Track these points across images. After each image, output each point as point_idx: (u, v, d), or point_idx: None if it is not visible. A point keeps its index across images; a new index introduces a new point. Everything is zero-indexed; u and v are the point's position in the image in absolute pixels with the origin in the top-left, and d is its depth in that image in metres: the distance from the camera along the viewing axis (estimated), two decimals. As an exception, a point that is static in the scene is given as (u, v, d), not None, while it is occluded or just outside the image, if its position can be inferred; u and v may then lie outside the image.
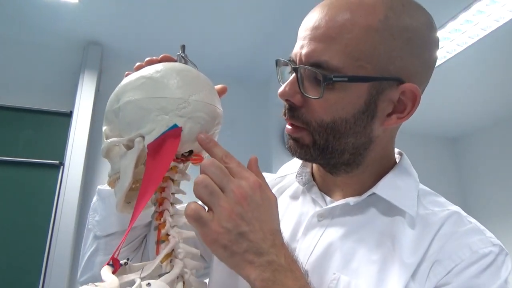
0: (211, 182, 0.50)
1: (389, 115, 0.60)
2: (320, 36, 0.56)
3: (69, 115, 2.67)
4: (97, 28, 2.71)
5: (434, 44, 0.61)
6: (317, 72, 0.56)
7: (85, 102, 2.67)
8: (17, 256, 2.35)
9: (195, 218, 0.49)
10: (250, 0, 2.40)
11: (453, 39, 2.19)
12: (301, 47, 0.59)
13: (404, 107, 0.59)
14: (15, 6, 2.46)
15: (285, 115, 0.63)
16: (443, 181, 3.60)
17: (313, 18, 0.59)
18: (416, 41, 0.57)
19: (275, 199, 0.54)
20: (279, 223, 0.54)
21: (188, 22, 2.62)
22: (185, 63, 0.62)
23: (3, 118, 2.59)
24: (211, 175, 0.50)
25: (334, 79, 0.55)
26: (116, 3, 2.45)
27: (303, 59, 0.58)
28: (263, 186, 0.52)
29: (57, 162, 2.54)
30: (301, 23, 0.65)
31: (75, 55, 2.87)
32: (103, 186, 0.71)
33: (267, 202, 0.52)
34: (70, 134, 2.58)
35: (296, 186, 0.74)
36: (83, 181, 2.58)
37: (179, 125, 0.53)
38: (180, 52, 0.62)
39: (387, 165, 0.66)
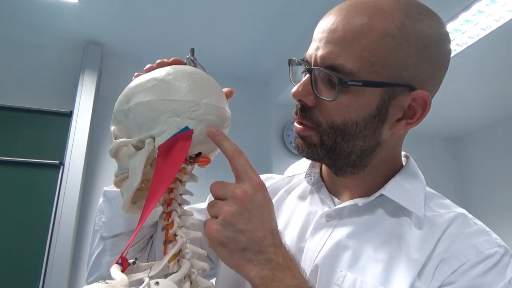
0: (213, 199, 0.53)
1: (398, 120, 0.61)
2: (336, 39, 0.57)
3: (69, 115, 2.67)
4: (97, 28, 2.71)
5: (447, 52, 0.62)
6: (331, 75, 0.56)
7: (85, 102, 2.67)
8: (17, 256, 2.35)
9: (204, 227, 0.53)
10: (249, 0, 2.41)
11: (453, 39, 2.20)
12: (316, 48, 0.59)
13: (414, 113, 0.60)
14: (15, 6, 2.46)
15: (296, 114, 0.64)
16: (443, 181, 3.61)
17: (329, 21, 0.59)
18: (431, 49, 0.58)
19: (271, 201, 0.56)
20: (277, 223, 0.55)
21: (188, 22, 2.63)
22: (194, 66, 0.63)
23: (3, 118, 2.59)
24: (215, 191, 0.53)
25: (349, 83, 0.56)
26: (116, 3, 2.45)
27: (318, 61, 0.58)
28: (265, 187, 0.54)
29: (57, 162, 2.54)
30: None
31: (75, 55, 2.87)
32: (109, 188, 0.71)
33: (268, 203, 0.53)
34: (70, 134, 2.58)
35: (304, 186, 0.75)
36: (83, 181, 2.58)
37: (191, 127, 0.54)
38: (190, 55, 0.63)
39: (394, 168, 0.67)
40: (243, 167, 0.53)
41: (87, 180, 2.71)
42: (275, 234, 0.53)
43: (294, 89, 0.61)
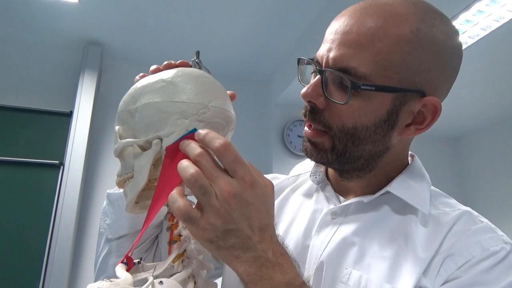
0: (205, 182, 0.47)
1: (407, 125, 0.61)
2: (350, 42, 0.56)
3: (69, 115, 2.67)
4: (97, 28, 2.71)
5: (458, 58, 0.61)
6: (343, 77, 0.56)
7: (85, 102, 2.67)
8: (17, 256, 2.35)
9: (185, 219, 0.48)
10: (249, 0, 2.41)
11: (453, 39, 2.19)
12: (328, 50, 0.58)
13: (424, 119, 0.60)
14: (15, 6, 2.45)
15: (305, 116, 0.63)
16: (443, 181, 3.61)
17: (343, 22, 0.58)
18: (444, 55, 0.58)
19: (271, 188, 0.52)
20: (272, 217, 0.52)
21: (188, 22, 2.63)
22: (200, 68, 0.63)
23: (3, 118, 2.59)
24: (202, 168, 0.48)
25: (362, 87, 0.55)
26: (116, 3, 2.45)
27: (330, 62, 0.58)
28: (256, 183, 0.50)
29: (57, 162, 2.54)
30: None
31: (75, 55, 2.87)
32: (112, 190, 0.72)
33: (258, 200, 0.50)
34: (70, 134, 2.58)
35: (309, 184, 0.75)
36: (83, 181, 2.58)
37: (199, 129, 0.54)
38: (195, 57, 0.63)
39: (400, 167, 0.67)
40: (232, 163, 0.48)
41: (87, 180, 2.71)
42: (265, 230, 0.50)
43: (304, 90, 0.60)
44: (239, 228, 0.48)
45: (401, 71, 0.56)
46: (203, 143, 0.50)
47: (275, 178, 0.82)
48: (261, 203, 0.50)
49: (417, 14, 0.57)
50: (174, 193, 0.49)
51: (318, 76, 0.60)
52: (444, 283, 0.55)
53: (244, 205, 0.48)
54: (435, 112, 0.59)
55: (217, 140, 0.48)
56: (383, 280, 0.56)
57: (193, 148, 0.50)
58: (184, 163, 0.48)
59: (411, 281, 0.54)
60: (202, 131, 0.50)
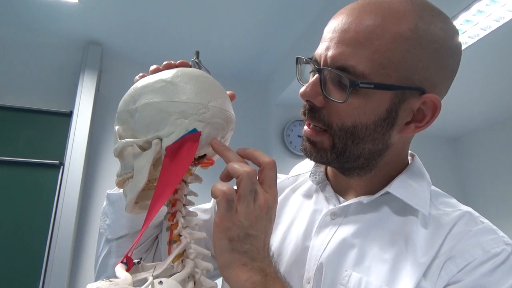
0: (257, 181, 0.52)
1: (407, 123, 0.60)
2: (348, 40, 0.56)
3: (69, 115, 2.67)
4: (97, 28, 2.71)
5: (457, 55, 0.61)
6: (342, 76, 0.56)
7: (85, 102, 2.67)
8: (17, 256, 2.35)
9: (228, 200, 0.50)
10: (249, 0, 2.41)
11: (453, 39, 2.19)
12: (326, 48, 0.58)
13: (423, 116, 0.60)
14: (15, 6, 2.45)
15: (304, 114, 0.63)
16: (443, 181, 3.61)
17: (341, 20, 0.58)
18: (442, 52, 0.58)
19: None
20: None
21: (188, 22, 2.63)
22: (199, 68, 0.63)
23: (3, 118, 2.59)
24: (249, 176, 0.51)
25: (360, 85, 0.55)
26: (116, 3, 2.45)
27: (328, 61, 0.57)
28: (276, 206, 0.56)
29: (57, 162, 2.54)
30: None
31: (75, 55, 2.87)
32: (112, 191, 0.72)
33: (274, 219, 0.56)
34: (70, 134, 2.58)
35: (309, 184, 0.75)
36: (83, 181, 2.58)
37: (198, 129, 0.54)
38: (195, 58, 0.63)
39: (400, 167, 0.67)
40: (272, 180, 0.54)
41: (87, 180, 2.71)
42: (269, 249, 0.55)
43: (302, 89, 0.60)
44: (258, 237, 0.52)
45: (400, 69, 0.56)
46: (251, 157, 0.55)
47: None
48: (273, 223, 0.56)
49: (415, 12, 0.57)
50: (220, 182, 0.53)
51: (316, 75, 0.59)
52: (445, 287, 0.54)
53: (269, 219, 0.53)
54: (435, 109, 0.59)
55: (266, 156, 0.55)
56: (383, 283, 0.56)
57: (237, 156, 0.55)
58: (237, 163, 0.53)
59: (411, 285, 0.54)
60: (248, 149, 0.56)
